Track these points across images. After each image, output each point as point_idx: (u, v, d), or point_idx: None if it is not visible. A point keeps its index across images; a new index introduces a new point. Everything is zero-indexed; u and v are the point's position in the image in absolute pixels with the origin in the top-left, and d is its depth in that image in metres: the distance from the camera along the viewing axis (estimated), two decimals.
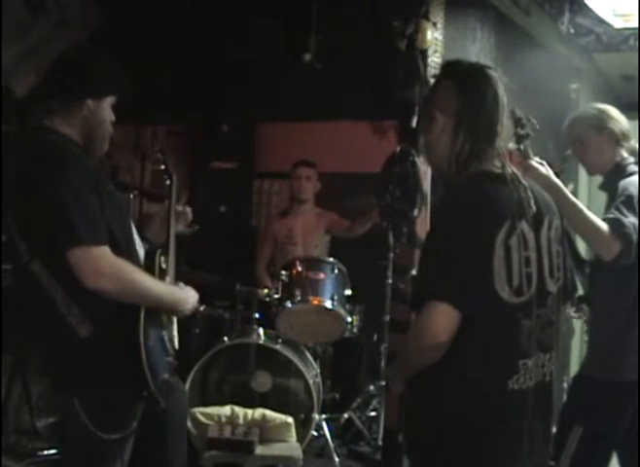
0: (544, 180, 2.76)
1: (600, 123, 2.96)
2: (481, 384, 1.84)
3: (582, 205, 2.78)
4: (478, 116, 1.93)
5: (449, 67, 2.08)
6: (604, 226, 2.69)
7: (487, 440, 1.84)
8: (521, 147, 2.94)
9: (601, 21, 4.48)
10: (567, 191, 2.83)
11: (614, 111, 3.00)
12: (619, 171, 2.91)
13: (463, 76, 1.99)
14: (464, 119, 1.94)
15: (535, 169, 2.81)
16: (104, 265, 2.04)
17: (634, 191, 2.78)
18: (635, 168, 2.90)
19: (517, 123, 2.95)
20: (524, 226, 1.90)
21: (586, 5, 4.29)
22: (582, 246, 3.19)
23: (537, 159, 2.87)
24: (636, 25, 4.41)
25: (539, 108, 4.46)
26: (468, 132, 1.93)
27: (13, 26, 4.00)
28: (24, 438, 3.92)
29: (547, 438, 1.95)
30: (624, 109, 3.17)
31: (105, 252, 2.06)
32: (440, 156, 2.00)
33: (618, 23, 4.54)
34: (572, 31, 4.52)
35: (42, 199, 2.07)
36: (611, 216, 2.72)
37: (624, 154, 2.94)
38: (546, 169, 2.82)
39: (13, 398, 3.97)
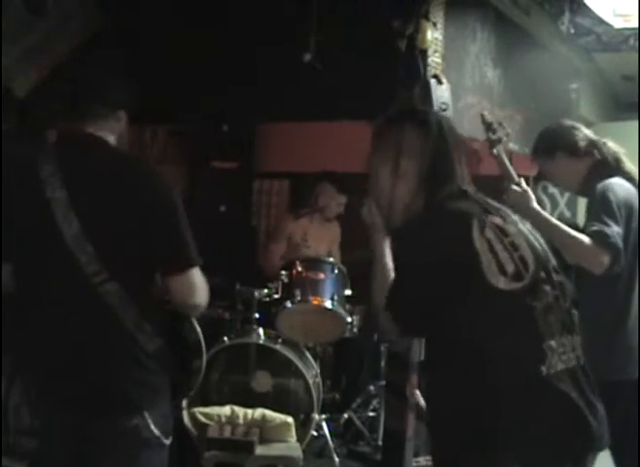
0: (522, 204, 2.80)
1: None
2: (512, 374, 1.79)
3: (563, 225, 2.77)
4: (439, 162, 1.95)
5: (413, 114, 2.07)
6: (588, 241, 2.68)
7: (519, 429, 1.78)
8: (495, 152, 2.95)
9: (601, 21, 4.48)
10: (546, 213, 2.84)
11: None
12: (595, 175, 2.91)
13: (426, 123, 1.99)
14: (425, 166, 1.95)
15: (514, 194, 2.84)
16: (200, 281, 2.16)
17: (612, 196, 2.77)
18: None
19: (488, 128, 2.96)
20: (494, 218, 1.90)
21: (585, 5, 4.29)
22: None
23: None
24: (636, 25, 4.41)
25: (539, 108, 4.48)
26: (430, 182, 1.95)
27: (13, 26, 3.99)
28: (24, 438, 3.91)
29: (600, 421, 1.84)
30: (624, 109, 3.17)
31: (198, 269, 2.14)
32: (396, 202, 1.99)
33: (618, 23, 4.54)
34: (572, 31, 4.53)
35: (150, 222, 2.06)
36: (594, 228, 2.70)
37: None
38: (526, 194, 2.83)
39: (13, 398, 3.97)
